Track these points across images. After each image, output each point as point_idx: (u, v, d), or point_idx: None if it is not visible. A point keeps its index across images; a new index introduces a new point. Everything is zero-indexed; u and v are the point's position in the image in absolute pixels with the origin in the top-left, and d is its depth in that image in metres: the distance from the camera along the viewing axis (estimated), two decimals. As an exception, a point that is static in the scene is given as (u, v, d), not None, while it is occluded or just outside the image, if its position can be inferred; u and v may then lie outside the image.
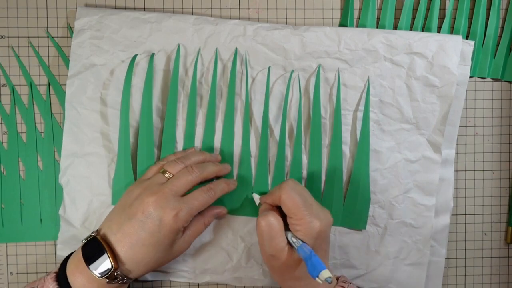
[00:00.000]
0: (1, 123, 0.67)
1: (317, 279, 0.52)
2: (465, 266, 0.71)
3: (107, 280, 0.55)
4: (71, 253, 0.59)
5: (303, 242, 0.56)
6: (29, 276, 0.67)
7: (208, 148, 0.65)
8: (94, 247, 0.56)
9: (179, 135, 0.65)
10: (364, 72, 0.65)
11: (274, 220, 0.57)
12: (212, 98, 0.65)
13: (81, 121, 0.65)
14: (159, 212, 0.56)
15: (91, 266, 0.55)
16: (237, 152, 0.66)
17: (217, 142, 0.66)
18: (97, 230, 0.58)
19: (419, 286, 0.67)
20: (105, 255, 0.55)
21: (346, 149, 0.66)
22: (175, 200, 0.57)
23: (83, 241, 0.57)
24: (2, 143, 0.67)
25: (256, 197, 0.65)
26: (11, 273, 0.67)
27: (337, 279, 0.61)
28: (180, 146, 0.65)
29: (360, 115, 0.66)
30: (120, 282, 0.56)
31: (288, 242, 0.58)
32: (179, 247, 0.60)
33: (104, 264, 0.55)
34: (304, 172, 0.66)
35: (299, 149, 0.65)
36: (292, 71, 0.65)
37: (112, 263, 0.55)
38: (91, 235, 0.57)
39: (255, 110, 0.66)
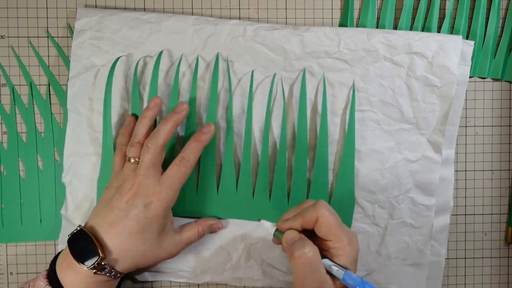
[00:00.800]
0: (1, 123, 0.67)
1: None
2: (465, 266, 0.71)
3: (94, 271, 0.55)
4: (61, 251, 0.59)
5: (345, 268, 0.52)
6: (29, 276, 0.67)
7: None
8: (80, 239, 0.56)
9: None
10: (364, 72, 0.65)
11: (312, 250, 0.52)
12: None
13: (82, 122, 0.65)
14: (141, 199, 0.57)
15: (78, 258, 0.55)
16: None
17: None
18: (83, 225, 0.58)
19: (420, 286, 0.67)
20: (92, 246, 0.55)
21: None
22: (153, 184, 0.57)
23: (69, 235, 0.57)
24: (2, 143, 0.67)
25: (268, 225, 0.59)
26: (11, 273, 0.67)
27: None
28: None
29: (360, 115, 0.66)
30: (107, 274, 0.56)
31: (327, 272, 0.53)
32: (168, 245, 0.59)
33: (91, 255, 0.55)
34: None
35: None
36: (275, 74, 0.65)
37: (100, 253, 0.55)
38: (77, 228, 0.57)
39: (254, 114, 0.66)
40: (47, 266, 0.59)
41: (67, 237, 0.57)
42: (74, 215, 0.65)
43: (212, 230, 0.65)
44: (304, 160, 0.65)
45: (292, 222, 0.56)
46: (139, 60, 0.65)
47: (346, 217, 0.66)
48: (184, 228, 0.61)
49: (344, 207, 0.66)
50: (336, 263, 0.53)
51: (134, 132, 0.60)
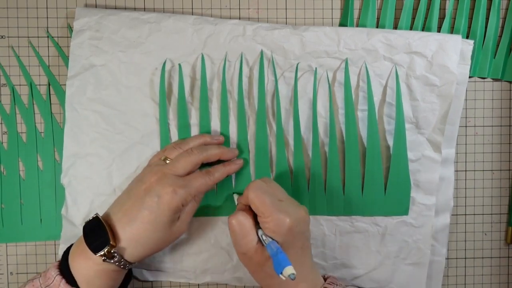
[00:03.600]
0: (1, 123, 0.67)
1: (280, 275, 0.52)
2: (465, 266, 0.71)
3: (103, 258, 0.55)
4: (74, 243, 0.59)
5: (272, 239, 0.56)
6: (29, 276, 0.67)
7: None
8: (94, 226, 0.56)
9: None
10: (363, 72, 0.65)
11: (244, 218, 0.58)
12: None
13: (81, 122, 0.65)
14: (157, 188, 0.57)
15: (90, 245, 0.55)
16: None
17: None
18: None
19: (420, 286, 0.67)
20: (104, 233, 0.55)
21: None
22: (174, 178, 0.58)
23: (86, 221, 0.58)
24: (2, 143, 0.67)
25: (236, 198, 0.65)
26: (11, 273, 0.67)
27: (325, 279, 0.61)
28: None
29: (361, 114, 0.66)
30: (117, 263, 0.56)
31: (259, 240, 0.58)
32: (178, 228, 0.60)
33: (102, 242, 0.55)
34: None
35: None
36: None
37: (110, 240, 0.55)
38: (93, 215, 0.58)
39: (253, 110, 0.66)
40: (47, 266, 0.59)
41: (83, 224, 0.57)
42: (75, 215, 0.65)
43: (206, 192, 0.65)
44: (356, 153, 0.66)
45: (240, 198, 0.61)
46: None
47: (404, 201, 0.66)
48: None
49: (401, 192, 0.66)
50: (266, 234, 0.56)
51: (185, 140, 0.64)
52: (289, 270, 0.51)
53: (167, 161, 0.61)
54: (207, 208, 0.66)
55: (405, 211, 0.67)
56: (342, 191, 0.66)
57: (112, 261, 0.56)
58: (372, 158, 0.66)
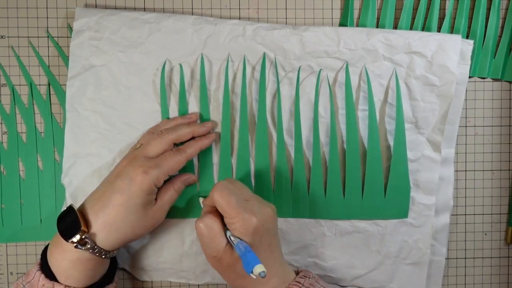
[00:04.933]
0: (1, 123, 0.67)
1: (251, 274, 0.51)
2: (465, 266, 0.71)
3: (75, 245, 0.55)
4: None
5: (240, 239, 0.55)
6: (29, 276, 0.67)
7: None
8: (67, 215, 0.56)
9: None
10: (363, 72, 0.65)
11: (211, 221, 0.57)
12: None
13: (82, 122, 0.65)
14: (128, 171, 0.57)
15: (62, 233, 0.55)
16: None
17: None
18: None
19: (420, 285, 0.67)
20: (76, 221, 0.55)
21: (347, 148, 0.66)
22: (144, 159, 0.58)
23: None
24: (2, 143, 0.67)
25: (201, 200, 0.64)
26: (11, 273, 0.67)
27: (298, 272, 0.61)
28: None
29: (361, 114, 0.66)
30: (91, 251, 0.56)
31: (228, 242, 0.57)
32: (154, 214, 0.59)
33: (73, 228, 0.55)
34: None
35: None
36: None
37: (81, 226, 0.55)
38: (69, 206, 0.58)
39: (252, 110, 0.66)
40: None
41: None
42: (74, 215, 0.65)
43: (187, 184, 0.65)
44: (356, 155, 0.66)
45: (206, 201, 0.60)
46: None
47: (403, 204, 0.66)
48: (160, 192, 0.61)
49: (400, 195, 0.66)
50: (234, 235, 0.56)
51: (157, 125, 0.65)
52: (259, 268, 0.51)
53: (138, 146, 0.61)
54: (176, 210, 0.66)
55: (404, 214, 0.66)
56: (343, 195, 0.66)
57: (84, 248, 0.55)
58: (372, 160, 0.66)
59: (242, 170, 0.66)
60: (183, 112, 0.65)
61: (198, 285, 0.69)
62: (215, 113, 0.66)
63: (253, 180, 0.66)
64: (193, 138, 0.63)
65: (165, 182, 0.61)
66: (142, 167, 0.57)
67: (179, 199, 0.65)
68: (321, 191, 0.66)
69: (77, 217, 0.55)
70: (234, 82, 0.65)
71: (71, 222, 0.55)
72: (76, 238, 0.54)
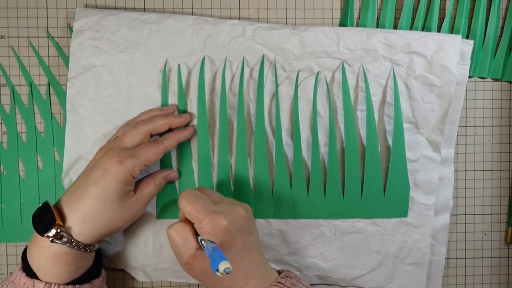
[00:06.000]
0: (1, 123, 0.67)
1: (217, 273, 0.50)
2: (465, 266, 0.71)
3: (51, 239, 0.54)
4: None
5: (210, 241, 0.54)
6: (29, 276, 0.67)
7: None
8: (41, 209, 0.56)
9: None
10: (363, 72, 0.65)
11: (181, 226, 0.56)
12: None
13: (82, 123, 0.65)
14: (103, 161, 0.57)
15: (37, 228, 0.55)
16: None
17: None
18: None
19: (420, 285, 0.67)
20: (51, 215, 0.55)
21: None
22: (119, 150, 0.58)
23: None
24: (2, 143, 0.67)
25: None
26: (11, 273, 0.67)
27: (280, 272, 0.60)
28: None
29: (361, 114, 0.66)
30: (68, 244, 0.55)
31: (200, 247, 0.56)
32: (132, 205, 0.59)
33: (48, 222, 0.55)
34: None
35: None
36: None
37: (56, 220, 0.54)
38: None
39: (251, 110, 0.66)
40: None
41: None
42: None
43: (168, 180, 0.64)
44: (355, 154, 0.66)
45: (180, 212, 0.59)
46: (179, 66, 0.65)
47: (403, 203, 0.66)
48: (140, 185, 0.61)
49: (400, 194, 0.66)
50: (205, 239, 0.55)
51: (134, 117, 0.64)
52: (223, 265, 0.49)
53: (114, 138, 0.61)
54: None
55: (404, 213, 0.66)
56: (342, 194, 0.66)
57: (60, 242, 0.55)
58: (371, 160, 0.66)
59: (240, 171, 0.66)
60: (182, 112, 0.65)
61: (198, 284, 0.69)
62: (213, 114, 0.66)
63: (251, 182, 0.66)
64: (170, 130, 0.63)
65: (147, 176, 0.62)
66: (117, 157, 0.57)
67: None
68: (320, 191, 0.66)
69: (51, 211, 0.55)
70: (232, 83, 0.65)
71: (46, 217, 0.55)
72: (52, 232, 0.54)
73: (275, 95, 0.65)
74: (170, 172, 0.64)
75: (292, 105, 0.66)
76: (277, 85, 0.65)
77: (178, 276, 0.67)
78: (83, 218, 0.56)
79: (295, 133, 0.65)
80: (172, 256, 0.65)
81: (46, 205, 0.56)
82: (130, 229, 0.65)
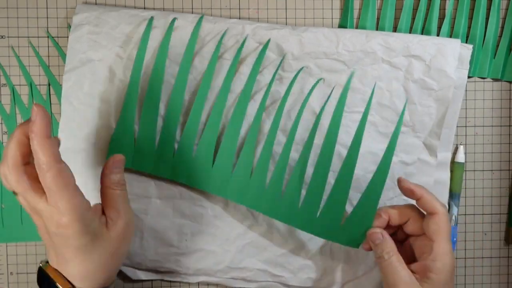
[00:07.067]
0: (1, 123, 0.67)
1: None
2: (465, 266, 0.71)
3: None
4: None
5: None
6: (29, 276, 0.68)
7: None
8: (43, 279, 0.54)
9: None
10: (362, 74, 0.65)
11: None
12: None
13: (77, 117, 0.65)
14: (49, 225, 0.51)
15: None
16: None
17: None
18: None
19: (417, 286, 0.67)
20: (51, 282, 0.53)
21: (344, 151, 0.65)
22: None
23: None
24: (2, 143, 0.67)
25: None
26: (11, 273, 0.67)
27: None
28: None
29: (357, 116, 0.65)
30: None
31: None
32: (115, 233, 0.53)
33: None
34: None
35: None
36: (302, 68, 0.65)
37: (56, 282, 0.53)
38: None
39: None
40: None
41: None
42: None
43: (118, 166, 0.56)
44: (306, 158, 0.64)
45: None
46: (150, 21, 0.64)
47: (358, 238, 0.62)
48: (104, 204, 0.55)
49: (360, 226, 0.61)
50: None
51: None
52: None
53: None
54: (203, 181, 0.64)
55: (356, 244, 0.62)
56: (298, 202, 0.63)
57: None
58: (344, 174, 0.62)
59: (208, 139, 0.64)
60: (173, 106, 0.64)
61: (198, 283, 0.69)
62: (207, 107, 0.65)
63: (214, 154, 0.64)
64: None
65: (101, 189, 0.56)
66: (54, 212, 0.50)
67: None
68: (279, 189, 0.63)
69: (51, 278, 0.53)
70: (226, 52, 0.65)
71: (47, 282, 0.53)
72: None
73: (267, 88, 0.64)
74: (115, 163, 0.56)
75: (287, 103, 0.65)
76: (272, 81, 0.64)
77: (173, 276, 0.67)
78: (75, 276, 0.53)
79: (273, 123, 0.64)
80: (166, 255, 0.65)
81: (39, 269, 0.54)
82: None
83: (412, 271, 0.55)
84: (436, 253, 0.55)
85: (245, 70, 0.65)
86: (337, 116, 0.63)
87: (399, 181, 0.59)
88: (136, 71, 0.63)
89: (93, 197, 0.65)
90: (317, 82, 0.65)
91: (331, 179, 0.64)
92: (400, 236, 0.61)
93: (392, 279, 0.54)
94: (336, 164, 0.64)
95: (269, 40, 0.64)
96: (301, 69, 0.65)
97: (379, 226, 0.59)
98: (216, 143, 0.64)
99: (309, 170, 0.64)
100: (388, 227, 0.60)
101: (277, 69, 0.64)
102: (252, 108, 0.65)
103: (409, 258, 0.59)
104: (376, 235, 0.57)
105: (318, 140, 0.65)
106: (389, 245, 0.56)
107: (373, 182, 0.61)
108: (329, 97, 0.65)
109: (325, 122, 0.64)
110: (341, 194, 0.62)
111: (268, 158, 0.64)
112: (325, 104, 0.65)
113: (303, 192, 0.64)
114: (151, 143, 0.63)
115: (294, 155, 0.65)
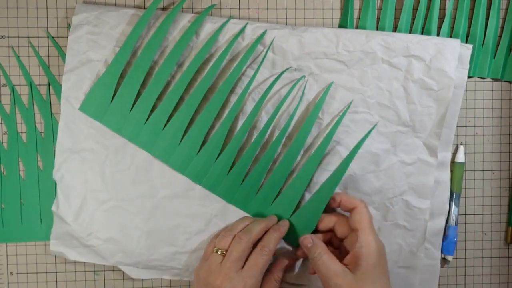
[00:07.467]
0: (1, 123, 0.67)
1: None
2: (465, 266, 0.71)
3: None
4: None
5: None
6: (29, 276, 0.68)
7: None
8: None
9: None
10: (361, 74, 0.65)
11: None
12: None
13: (76, 117, 0.65)
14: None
15: None
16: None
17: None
18: None
19: None
20: None
21: (344, 150, 0.66)
22: (237, 276, 0.58)
23: None
24: (2, 143, 0.67)
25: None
26: (11, 273, 0.67)
27: None
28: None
29: (356, 116, 0.65)
30: None
31: None
32: None
33: None
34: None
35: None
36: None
37: None
38: None
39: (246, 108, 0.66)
40: (47, 266, 0.59)
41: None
42: (66, 212, 0.65)
43: (286, 266, 0.65)
44: (291, 160, 0.65)
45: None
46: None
47: (312, 222, 0.65)
48: (262, 284, 0.62)
49: (306, 221, 0.65)
50: None
51: (232, 226, 0.63)
52: None
53: (219, 252, 0.60)
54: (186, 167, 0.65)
55: (297, 243, 0.65)
56: (257, 191, 0.66)
57: None
58: (305, 169, 0.65)
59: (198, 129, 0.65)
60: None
61: (198, 283, 0.69)
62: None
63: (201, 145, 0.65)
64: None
65: (265, 274, 0.62)
66: (240, 284, 0.58)
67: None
68: (239, 178, 0.65)
69: None
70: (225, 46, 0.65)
71: None
72: None
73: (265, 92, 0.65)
74: (286, 263, 0.65)
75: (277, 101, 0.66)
76: (273, 83, 0.65)
77: (172, 274, 0.67)
78: None
79: (251, 114, 0.65)
80: (165, 253, 0.65)
81: None
82: (124, 225, 0.65)
83: (345, 264, 0.58)
84: (361, 240, 0.58)
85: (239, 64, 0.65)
86: (312, 116, 0.65)
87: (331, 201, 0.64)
88: (133, 34, 0.64)
89: (92, 197, 0.65)
90: (329, 86, 0.65)
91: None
92: (335, 243, 0.64)
93: (326, 275, 0.57)
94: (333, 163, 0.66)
95: (273, 39, 0.65)
96: (287, 69, 0.65)
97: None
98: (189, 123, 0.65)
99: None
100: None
101: (262, 61, 0.65)
102: (234, 99, 0.66)
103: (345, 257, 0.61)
104: (307, 239, 0.61)
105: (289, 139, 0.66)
106: (320, 246, 0.59)
107: (324, 187, 0.64)
108: (302, 93, 0.65)
109: (300, 120, 0.66)
110: (296, 190, 0.65)
111: (237, 147, 0.65)
112: (300, 100, 0.65)
113: (263, 183, 0.66)
114: (127, 105, 0.64)
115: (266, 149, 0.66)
